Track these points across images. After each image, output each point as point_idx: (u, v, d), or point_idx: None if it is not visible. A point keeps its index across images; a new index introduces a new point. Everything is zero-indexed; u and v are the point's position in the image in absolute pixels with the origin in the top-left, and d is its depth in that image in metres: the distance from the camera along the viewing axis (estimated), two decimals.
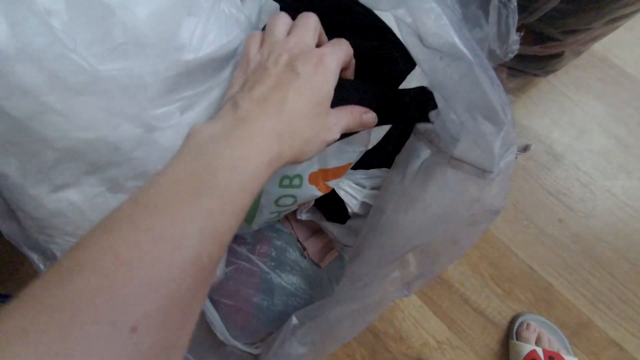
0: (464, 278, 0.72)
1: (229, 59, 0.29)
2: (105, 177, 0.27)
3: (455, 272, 0.72)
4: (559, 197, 0.71)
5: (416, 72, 0.34)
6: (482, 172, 0.26)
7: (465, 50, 0.23)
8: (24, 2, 0.20)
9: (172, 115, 0.27)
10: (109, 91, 0.23)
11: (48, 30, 0.21)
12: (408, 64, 0.29)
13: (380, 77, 0.30)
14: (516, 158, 0.74)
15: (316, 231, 0.55)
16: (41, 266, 0.41)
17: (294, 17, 0.28)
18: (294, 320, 0.41)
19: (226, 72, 0.29)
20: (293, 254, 0.52)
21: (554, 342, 0.65)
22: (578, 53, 0.62)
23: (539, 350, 0.64)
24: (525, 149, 0.72)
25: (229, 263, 0.49)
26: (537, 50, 0.56)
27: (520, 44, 0.38)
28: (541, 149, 0.72)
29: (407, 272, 0.39)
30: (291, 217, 0.54)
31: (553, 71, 0.65)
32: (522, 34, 0.33)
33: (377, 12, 0.31)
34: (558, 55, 0.59)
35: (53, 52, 0.21)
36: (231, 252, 0.50)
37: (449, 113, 0.31)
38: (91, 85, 0.23)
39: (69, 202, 0.28)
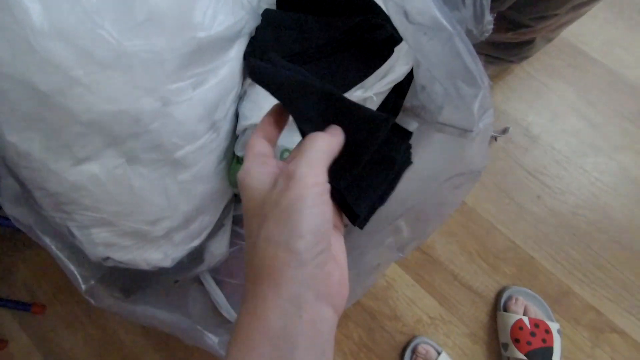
0: (453, 256, 0.76)
1: (235, 39, 0.32)
2: (125, 149, 0.30)
3: (445, 251, 0.76)
4: (536, 175, 0.76)
5: (403, 48, 0.38)
6: (464, 132, 0.29)
7: (446, 24, 0.26)
8: None
9: (185, 90, 0.29)
10: (131, 66, 0.26)
11: (80, 8, 0.23)
12: (396, 31, 0.32)
13: (373, 42, 0.33)
14: (496, 140, 0.79)
15: None
16: (54, 248, 0.42)
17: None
18: None
19: (232, 52, 0.32)
20: None
21: (538, 311, 0.70)
22: (548, 40, 0.67)
23: (525, 319, 0.68)
24: (504, 131, 0.77)
25: (232, 244, 0.52)
26: (510, 37, 0.61)
27: (494, 31, 0.42)
28: (519, 131, 0.77)
29: (400, 237, 0.42)
30: None
31: (526, 57, 0.70)
32: (495, 15, 0.37)
33: None
34: (530, 42, 0.63)
35: (84, 29, 0.24)
36: (233, 233, 0.52)
37: (433, 86, 0.34)
38: (116, 60, 0.25)
39: (90, 174, 0.30)
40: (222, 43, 0.30)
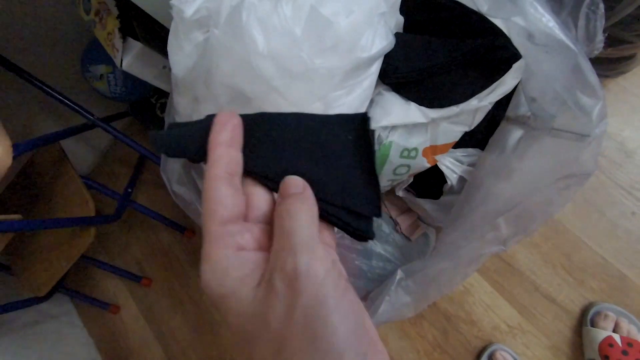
0: (535, 267, 0.77)
1: (377, 58, 0.39)
2: None
3: (527, 261, 0.77)
4: (631, 192, 0.74)
5: (513, 68, 0.43)
6: (580, 136, 0.34)
7: (571, 45, 0.31)
8: (274, 18, 0.32)
9: (342, 97, 0.37)
10: (313, 79, 0.35)
11: (290, 37, 0.32)
12: (517, 50, 0.37)
13: (495, 59, 0.38)
14: None
15: (405, 210, 0.64)
16: None
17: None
18: (400, 273, 0.50)
19: (373, 67, 0.40)
20: (387, 228, 0.61)
21: (633, 330, 0.67)
22: None
23: (616, 336, 0.66)
24: None
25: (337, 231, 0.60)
26: (609, 52, 0.62)
27: None
28: (612, 146, 0.76)
29: (499, 233, 0.46)
30: (385, 197, 0.63)
31: (623, 72, 0.70)
32: (607, 34, 0.41)
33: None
34: (629, 57, 0.64)
35: (290, 52, 0.33)
36: None
37: (545, 97, 0.39)
38: (304, 74, 0.34)
39: None
40: (371, 61, 0.38)
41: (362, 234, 0.22)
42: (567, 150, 0.35)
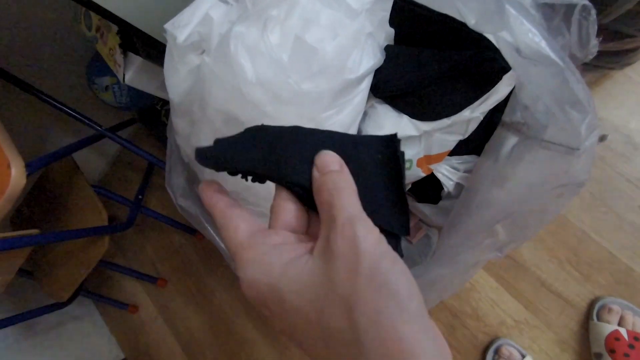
0: (540, 262, 0.77)
1: (367, 75, 0.40)
2: None
3: (532, 257, 0.77)
4: (638, 184, 0.73)
5: (506, 76, 0.43)
6: (570, 149, 0.34)
7: (557, 59, 0.31)
8: (261, 47, 0.33)
9: (333, 116, 0.38)
10: (302, 102, 0.35)
11: (277, 65, 0.33)
12: (506, 63, 0.37)
13: (484, 72, 0.38)
14: None
15: None
16: (212, 232, 0.55)
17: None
18: None
19: (363, 84, 0.40)
20: None
21: (639, 323, 0.68)
22: None
23: (622, 331, 0.67)
24: (601, 139, 0.75)
25: None
26: (612, 46, 0.61)
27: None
28: (619, 138, 0.75)
29: (497, 240, 0.47)
30: None
31: (629, 64, 0.68)
32: (601, 38, 0.40)
33: None
34: (634, 50, 0.62)
35: (277, 79, 0.34)
36: None
37: (537, 106, 0.39)
38: (293, 98, 0.35)
39: None
40: (360, 79, 0.38)
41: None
42: (557, 161, 0.35)
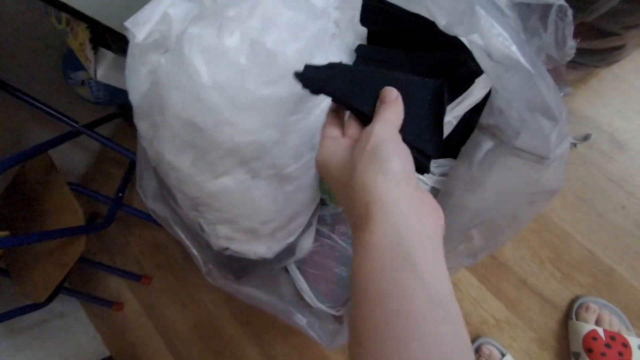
0: (522, 261, 0.76)
1: None
2: (250, 167, 0.38)
3: (513, 256, 0.77)
4: (621, 184, 0.72)
5: (482, 77, 0.41)
6: (540, 158, 0.32)
7: (527, 65, 0.30)
8: (217, 49, 0.31)
9: (299, 121, 0.37)
10: (263, 108, 0.34)
11: (235, 69, 0.31)
12: (478, 66, 0.36)
13: (456, 76, 0.37)
14: (575, 146, 0.77)
15: None
16: (182, 236, 0.54)
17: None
18: None
19: None
20: None
21: (615, 322, 0.68)
22: None
23: (600, 330, 0.67)
24: (585, 138, 0.74)
25: (315, 240, 0.60)
26: (597, 44, 0.59)
27: (580, 40, 0.43)
28: (603, 137, 0.74)
29: (471, 245, 0.46)
30: None
31: (615, 62, 0.67)
32: (579, 40, 0.39)
33: None
34: (619, 48, 0.61)
35: (235, 84, 0.32)
36: (316, 231, 0.60)
37: (510, 111, 0.38)
38: (253, 104, 0.33)
39: (223, 186, 0.40)
40: None
41: (422, 167, 0.29)
42: (528, 170, 0.34)
